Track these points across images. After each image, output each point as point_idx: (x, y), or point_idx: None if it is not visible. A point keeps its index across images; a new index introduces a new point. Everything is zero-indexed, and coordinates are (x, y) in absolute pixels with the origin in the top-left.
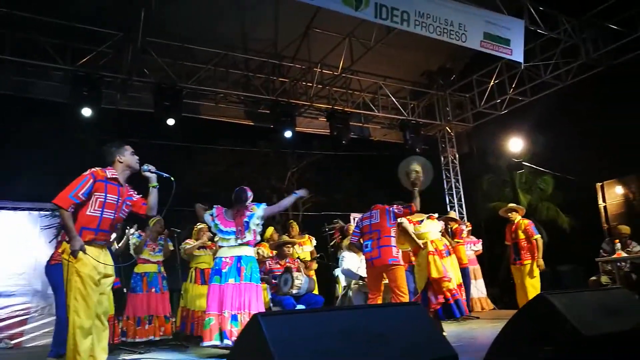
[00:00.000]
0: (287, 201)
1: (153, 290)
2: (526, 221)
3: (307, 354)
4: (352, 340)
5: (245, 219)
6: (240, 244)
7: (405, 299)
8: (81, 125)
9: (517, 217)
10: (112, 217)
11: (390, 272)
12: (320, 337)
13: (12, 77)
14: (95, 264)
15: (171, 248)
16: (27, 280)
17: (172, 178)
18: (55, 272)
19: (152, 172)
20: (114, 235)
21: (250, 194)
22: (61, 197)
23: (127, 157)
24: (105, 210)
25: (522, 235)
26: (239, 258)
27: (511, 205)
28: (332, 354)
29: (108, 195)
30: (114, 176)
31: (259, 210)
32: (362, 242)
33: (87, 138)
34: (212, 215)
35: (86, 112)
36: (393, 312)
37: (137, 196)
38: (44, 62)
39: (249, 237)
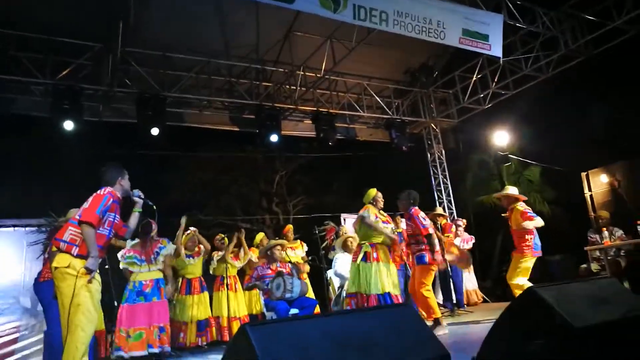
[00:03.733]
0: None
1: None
2: (521, 208)
3: None
4: (343, 346)
5: (156, 249)
6: (155, 270)
7: None
8: (64, 139)
9: (516, 205)
10: (112, 236)
11: None
12: (310, 345)
13: None
14: (99, 281)
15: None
16: (16, 298)
17: (154, 207)
18: (44, 289)
19: (141, 198)
20: None
21: (155, 226)
22: (89, 215)
23: (126, 181)
24: (111, 229)
25: (514, 225)
26: (158, 280)
27: (507, 192)
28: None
29: (116, 215)
30: (119, 197)
31: (169, 247)
32: None
33: (72, 152)
34: (122, 255)
35: (68, 125)
36: (383, 315)
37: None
38: (24, 78)
39: (159, 265)
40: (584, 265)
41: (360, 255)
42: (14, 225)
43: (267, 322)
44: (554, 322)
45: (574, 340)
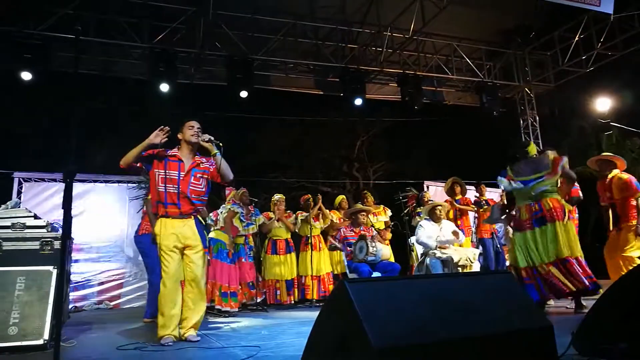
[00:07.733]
0: None
1: (242, 259)
2: (625, 176)
3: (393, 318)
4: (438, 306)
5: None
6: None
7: None
8: (159, 101)
9: (613, 172)
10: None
11: None
12: (408, 304)
13: (97, 57)
14: None
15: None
16: (120, 247)
17: (220, 144)
18: (143, 240)
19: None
20: None
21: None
22: None
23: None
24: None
25: (617, 195)
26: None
27: (606, 154)
28: (418, 319)
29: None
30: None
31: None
32: None
33: (166, 113)
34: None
35: (164, 87)
36: (483, 281)
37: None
38: (123, 41)
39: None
40: None
41: (563, 213)
42: (119, 181)
43: (365, 280)
44: None
45: None
